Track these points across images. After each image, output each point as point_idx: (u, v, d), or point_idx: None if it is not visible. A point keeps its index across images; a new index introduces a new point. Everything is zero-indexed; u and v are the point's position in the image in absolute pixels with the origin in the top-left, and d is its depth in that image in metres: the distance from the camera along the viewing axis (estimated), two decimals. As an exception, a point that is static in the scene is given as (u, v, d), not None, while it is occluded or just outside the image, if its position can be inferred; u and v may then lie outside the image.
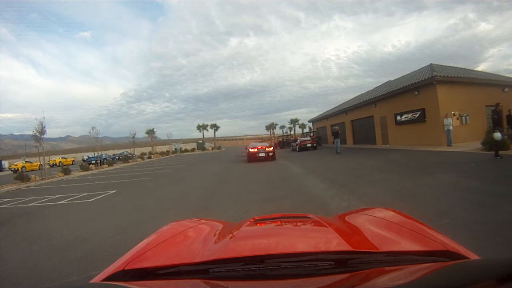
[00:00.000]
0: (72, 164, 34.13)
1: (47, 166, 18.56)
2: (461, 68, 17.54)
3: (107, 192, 8.83)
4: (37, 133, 15.97)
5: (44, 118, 16.24)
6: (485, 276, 0.59)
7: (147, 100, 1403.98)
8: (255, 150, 16.15)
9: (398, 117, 16.55)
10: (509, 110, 11.08)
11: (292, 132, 51.44)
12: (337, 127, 18.25)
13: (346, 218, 1.34)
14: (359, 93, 28.06)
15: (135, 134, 31.88)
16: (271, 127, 55.47)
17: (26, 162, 30.33)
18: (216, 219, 1.67)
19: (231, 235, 1.10)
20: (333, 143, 17.79)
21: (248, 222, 1.34)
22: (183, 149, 47.28)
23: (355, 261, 0.82)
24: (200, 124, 51.41)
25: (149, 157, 34.77)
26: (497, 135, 7.83)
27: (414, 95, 14.94)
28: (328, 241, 0.99)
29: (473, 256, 0.86)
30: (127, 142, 36.82)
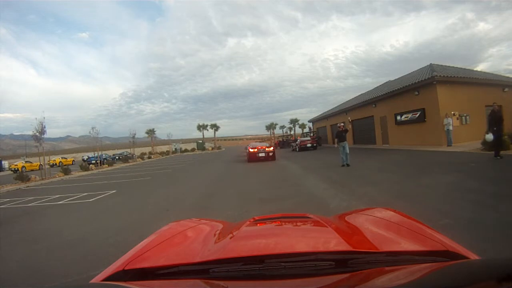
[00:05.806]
0: (72, 164, 34.08)
1: (47, 166, 18.53)
2: (461, 68, 17.53)
3: (107, 192, 8.82)
4: (37, 133, 15.94)
5: (44, 118, 16.25)
6: (485, 276, 0.59)
7: (146, 100, 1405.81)
8: (255, 150, 16.15)
9: (398, 117, 16.54)
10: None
11: (292, 132, 51.46)
12: (342, 124, 11.25)
13: (346, 218, 1.34)
14: (358, 93, 28.13)
15: (135, 134, 31.91)
16: (271, 127, 55.42)
17: (26, 162, 30.30)
18: (216, 219, 1.67)
19: (231, 235, 1.10)
20: (334, 143, 11.15)
21: (248, 222, 1.34)
22: (183, 149, 47.26)
23: (355, 261, 0.82)
24: (200, 124, 51.33)
25: (149, 157, 34.74)
26: (489, 137, 7.80)
27: (414, 95, 14.94)
28: (328, 241, 0.99)
29: (473, 256, 0.86)
30: (127, 142, 36.84)
